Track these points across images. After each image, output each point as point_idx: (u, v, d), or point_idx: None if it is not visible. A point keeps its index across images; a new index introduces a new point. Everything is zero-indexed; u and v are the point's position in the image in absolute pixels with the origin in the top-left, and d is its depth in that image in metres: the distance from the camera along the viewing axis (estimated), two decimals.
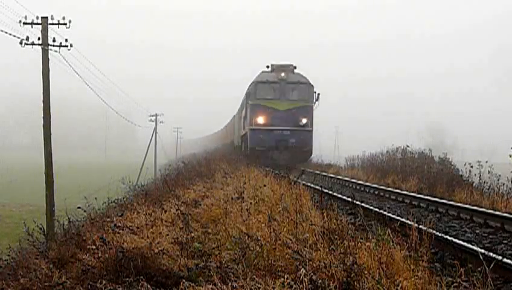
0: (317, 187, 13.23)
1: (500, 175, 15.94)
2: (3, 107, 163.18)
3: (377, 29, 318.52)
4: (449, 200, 13.66)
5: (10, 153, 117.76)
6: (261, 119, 26.94)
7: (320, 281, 5.17)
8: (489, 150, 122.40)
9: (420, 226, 6.59)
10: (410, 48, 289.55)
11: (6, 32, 19.65)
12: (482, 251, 6.75)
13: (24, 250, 10.68)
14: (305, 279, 5.17)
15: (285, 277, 5.38)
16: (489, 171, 16.45)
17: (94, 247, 7.46)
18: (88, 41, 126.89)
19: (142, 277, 6.05)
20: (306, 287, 5.13)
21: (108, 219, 10.39)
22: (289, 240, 6.76)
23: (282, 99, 26.99)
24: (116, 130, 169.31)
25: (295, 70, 27.86)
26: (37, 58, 22.12)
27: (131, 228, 9.27)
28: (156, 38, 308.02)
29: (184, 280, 5.83)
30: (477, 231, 10.04)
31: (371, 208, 11.39)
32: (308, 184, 15.13)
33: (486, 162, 17.13)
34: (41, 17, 21.84)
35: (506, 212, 11.29)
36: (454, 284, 5.22)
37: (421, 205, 13.77)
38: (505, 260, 6.32)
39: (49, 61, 21.69)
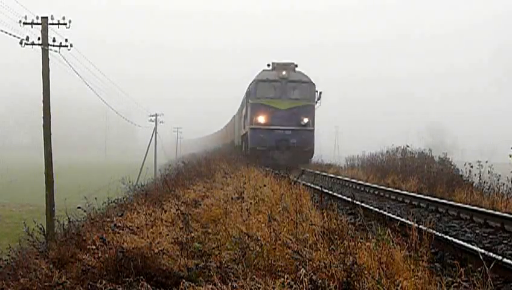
0: (317, 187, 13.22)
1: (500, 175, 15.94)
2: (3, 107, 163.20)
3: (377, 29, 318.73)
4: (449, 200, 13.66)
5: (10, 153, 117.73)
6: (261, 119, 26.64)
7: (320, 281, 5.17)
8: (489, 150, 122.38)
9: (420, 226, 6.59)
10: (410, 48, 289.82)
11: (6, 32, 19.67)
12: (482, 251, 6.75)
13: (24, 250, 10.68)
14: (305, 279, 5.17)
15: (285, 277, 5.38)
16: (489, 171, 16.45)
17: (94, 247, 7.46)
18: (88, 41, 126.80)
19: (142, 277, 6.05)
20: (306, 287, 5.13)
21: (108, 219, 10.38)
22: (289, 240, 6.76)
23: (284, 98, 26.70)
24: (116, 130, 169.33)
25: (296, 69, 27.52)
26: (37, 58, 22.13)
27: (131, 228, 9.27)
28: (156, 38, 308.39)
29: (184, 280, 5.83)
30: (477, 231, 10.04)
31: (371, 208, 11.39)
32: (308, 184, 15.12)
33: (486, 162, 17.13)
34: (41, 17, 21.84)
35: (506, 212, 11.28)
36: (454, 284, 5.22)
37: (421, 205, 13.77)
38: (505, 260, 6.32)
39: (49, 61, 21.70)
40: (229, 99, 67.29)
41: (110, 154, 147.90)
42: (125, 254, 6.68)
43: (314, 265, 5.77)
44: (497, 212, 10.88)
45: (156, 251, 7.30)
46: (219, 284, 5.47)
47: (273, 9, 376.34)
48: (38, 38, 21.67)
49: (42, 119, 21.78)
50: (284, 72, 26.85)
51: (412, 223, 6.64)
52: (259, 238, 6.73)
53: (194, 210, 11.57)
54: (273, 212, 8.50)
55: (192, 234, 8.50)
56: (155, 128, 69.93)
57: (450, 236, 8.02)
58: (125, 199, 15.48)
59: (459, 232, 9.90)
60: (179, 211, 9.86)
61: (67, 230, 10.05)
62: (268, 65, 27.69)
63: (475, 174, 17.17)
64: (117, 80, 70.64)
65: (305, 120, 26.68)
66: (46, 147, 21.64)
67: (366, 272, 5.31)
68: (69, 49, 22.57)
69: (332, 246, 6.16)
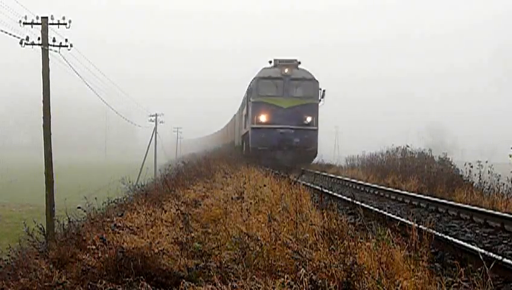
0: (317, 187, 13.21)
1: (500, 175, 15.94)
2: (3, 107, 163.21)
3: (377, 29, 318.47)
4: (449, 200, 13.66)
5: (10, 153, 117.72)
6: (263, 118, 25.63)
7: (320, 281, 5.17)
8: (489, 150, 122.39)
9: (420, 226, 6.59)
10: (410, 48, 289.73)
11: (6, 32, 19.69)
12: (482, 251, 6.74)
13: (24, 250, 10.68)
14: (305, 279, 5.17)
15: (285, 277, 5.38)
16: (489, 171, 16.45)
17: (94, 247, 7.46)
18: (88, 41, 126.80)
19: (142, 277, 6.05)
20: (306, 287, 5.13)
21: (108, 219, 10.39)
22: (289, 240, 6.76)
23: (286, 96, 25.69)
24: (116, 130, 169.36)
25: (299, 66, 26.44)
26: (37, 58, 22.15)
27: (131, 228, 9.27)
28: (156, 38, 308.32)
29: (184, 280, 5.83)
30: (477, 231, 10.04)
31: (371, 208, 11.38)
32: (308, 184, 15.11)
33: (486, 162, 17.13)
34: (41, 17, 21.85)
35: (506, 212, 11.28)
36: (454, 284, 5.22)
37: (421, 205, 13.77)
38: (505, 260, 6.32)
39: (49, 61, 21.72)
40: (229, 99, 67.26)
41: (110, 154, 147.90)
42: (125, 254, 6.68)
43: (314, 265, 5.77)
44: (497, 212, 10.88)
45: (156, 251, 7.30)
46: (219, 284, 5.47)
47: (273, 9, 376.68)
48: (38, 38, 21.69)
49: (42, 119, 21.79)
50: (286, 70, 25.83)
51: (412, 223, 6.63)
52: (259, 238, 6.73)
53: (194, 210, 11.57)
54: (273, 212, 8.50)
55: (192, 234, 8.50)
56: (155, 128, 69.97)
57: (450, 236, 8.02)
58: (125, 199, 15.48)
59: (459, 232, 9.90)
60: (179, 211, 9.86)
61: (67, 230, 10.04)
62: (270, 62, 26.56)
63: (475, 174, 17.17)
64: (117, 80, 70.80)
65: (309, 119, 25.72)
66: (46, 147, 21.65)
67: (366, 272, 5.31)
68: (69, 49, 22.61)
69: (332, 246, 6.16)
